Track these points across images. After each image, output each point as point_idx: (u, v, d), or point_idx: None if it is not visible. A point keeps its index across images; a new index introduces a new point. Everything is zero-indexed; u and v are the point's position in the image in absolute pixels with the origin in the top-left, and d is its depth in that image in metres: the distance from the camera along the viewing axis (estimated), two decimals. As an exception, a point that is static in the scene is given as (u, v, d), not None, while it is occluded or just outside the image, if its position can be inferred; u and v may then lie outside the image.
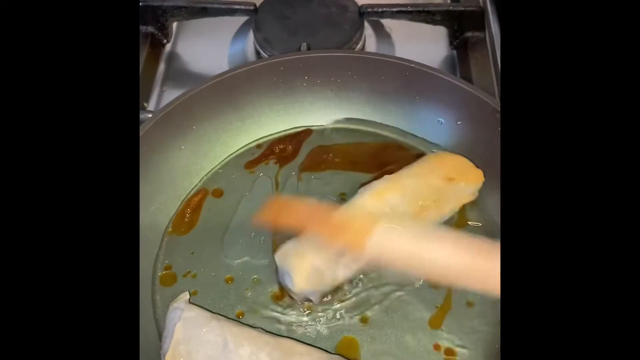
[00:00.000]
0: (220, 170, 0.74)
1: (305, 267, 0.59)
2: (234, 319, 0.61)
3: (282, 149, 0.75)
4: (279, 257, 0.61)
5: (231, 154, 0.75)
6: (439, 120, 0.73)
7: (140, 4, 0.92)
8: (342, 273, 0.61)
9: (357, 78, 0.74)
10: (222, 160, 0.75)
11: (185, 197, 0.71)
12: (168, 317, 0.58)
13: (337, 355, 0.58)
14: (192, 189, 0.72)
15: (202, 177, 0.73)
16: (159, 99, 0.91)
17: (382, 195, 0.63)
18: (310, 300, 0.62)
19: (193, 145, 0.72)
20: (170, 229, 0.69)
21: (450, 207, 0.66)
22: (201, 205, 0.70)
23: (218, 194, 0.72)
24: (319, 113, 0.77)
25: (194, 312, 0.58)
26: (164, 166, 0.69)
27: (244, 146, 0.76)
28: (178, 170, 0.71)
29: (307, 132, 0.77)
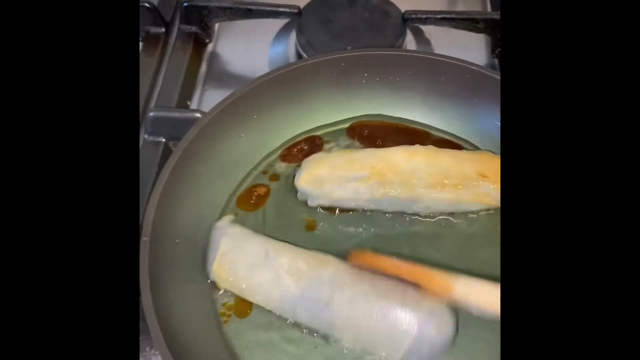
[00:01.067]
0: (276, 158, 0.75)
1: (312, 172, 0.67)
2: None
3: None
4: (306, 160, 0.69)
5: (285, 143, 0.76)
6: (496, 124, 0.74)
7: (185, 4, 0.92)
8: (340, 194, 0.67)
9: (416, 77, 0.75)
10: (277, 149, 0.76)
11: (243, 182, 0.73)
12: (212, 236, 0.65)
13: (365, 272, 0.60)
14: (250, 175, 0.73)
15: (259, 164, 0.74)
16: (201, 97, 0.91)
17: (412, 155, 0.67)
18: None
19: (253, 133, 0.72)
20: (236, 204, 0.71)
21: (470, 200, 0.66)
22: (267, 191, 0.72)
23: (275, 178, 0.73)
24: (375, 110, 0.77)
25: (237, 229, 0.65)
26: (225, 152, 0.70)
27: (297, 135, 0.77)
28: (238, 156, 0.72)
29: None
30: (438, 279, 0.54)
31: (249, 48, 0.97)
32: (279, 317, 0.60)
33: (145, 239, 0.56)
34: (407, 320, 0.56)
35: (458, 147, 0.75)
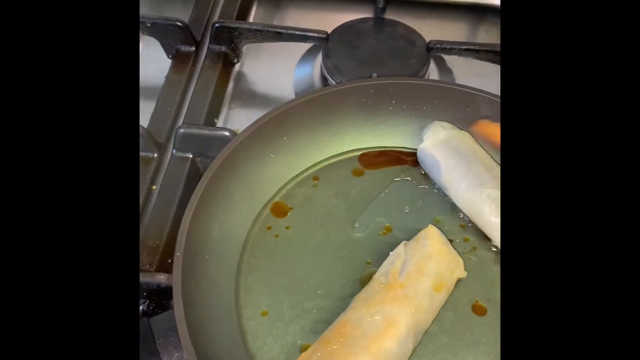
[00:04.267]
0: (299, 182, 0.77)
1: None
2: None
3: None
4: None
5: (313, 166, 0.78)
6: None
7: (216, 24, 0.95)
8: None
9: (443, 107, 0.77)
10: (304, 172, 0.77)
11: (269, 202, 0.74)
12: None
13: None
14: (276, 196, 0.75)
15: (285, 186, 0.76)
16: (227, 116, 0.93)
17: None
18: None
19: (282, 155, 0.74)
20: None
21: None
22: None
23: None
24: (401, 137, 0.79)
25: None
26: (256, 171, 0.72)
27: (325, 159, 0.78)
28: (267, 176, 0.74)
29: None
30: None
31: (275, 69, 1.00)
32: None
33: (178, 254, 0.58)
34: None
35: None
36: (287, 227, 0.71)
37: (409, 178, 0.77)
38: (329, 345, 0.55)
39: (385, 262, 0.63)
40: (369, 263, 0.68)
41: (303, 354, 0.57)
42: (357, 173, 0.78)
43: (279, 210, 0.73)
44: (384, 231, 0.71)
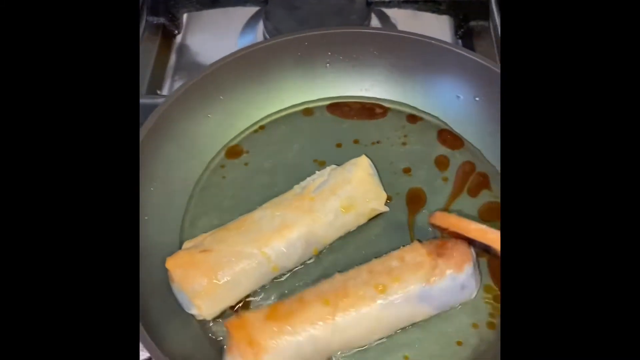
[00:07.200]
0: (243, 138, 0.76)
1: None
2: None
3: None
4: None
5: (255, 123, 0.77)
6: (457, 96, 0.76)
7: (152, -6, 0.93)
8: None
9: (379, 54, 0.76)
10: (246, 130, 0.77)
11: (208, 164, 0.73)
12: None
13: None
14: (216, 157, 0.74)
15: (226, 145, 0.75)
16: (171, 88, 0.92)
17: None
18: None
19: (220, 114, 0.73)
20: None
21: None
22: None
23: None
24: (340, 88, 0.79)
25: None
26: (193, 132, 0.71)
27: (266, 116, 0.78)
28: (207, 136, 0.73)
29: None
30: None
31: (218, 39, 0.98)
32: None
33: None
34: None
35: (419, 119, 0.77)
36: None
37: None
38: (227, 231, 0.60)
39: (308, 178, 0.65)
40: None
41: (201, 235, 0.61)
42: (303, 128, 0.77)
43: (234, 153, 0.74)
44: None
